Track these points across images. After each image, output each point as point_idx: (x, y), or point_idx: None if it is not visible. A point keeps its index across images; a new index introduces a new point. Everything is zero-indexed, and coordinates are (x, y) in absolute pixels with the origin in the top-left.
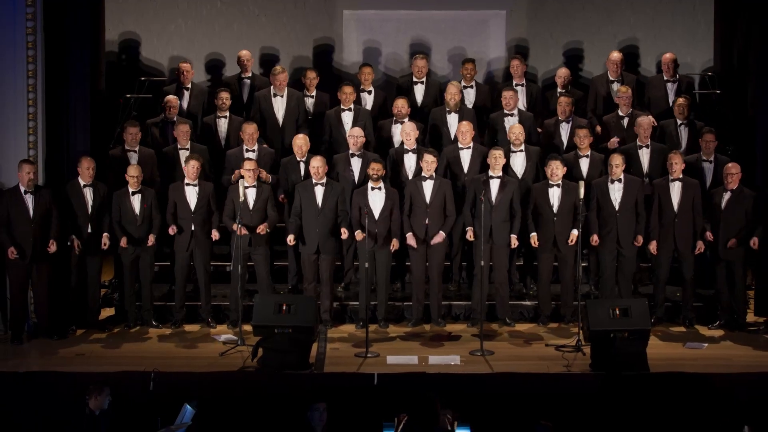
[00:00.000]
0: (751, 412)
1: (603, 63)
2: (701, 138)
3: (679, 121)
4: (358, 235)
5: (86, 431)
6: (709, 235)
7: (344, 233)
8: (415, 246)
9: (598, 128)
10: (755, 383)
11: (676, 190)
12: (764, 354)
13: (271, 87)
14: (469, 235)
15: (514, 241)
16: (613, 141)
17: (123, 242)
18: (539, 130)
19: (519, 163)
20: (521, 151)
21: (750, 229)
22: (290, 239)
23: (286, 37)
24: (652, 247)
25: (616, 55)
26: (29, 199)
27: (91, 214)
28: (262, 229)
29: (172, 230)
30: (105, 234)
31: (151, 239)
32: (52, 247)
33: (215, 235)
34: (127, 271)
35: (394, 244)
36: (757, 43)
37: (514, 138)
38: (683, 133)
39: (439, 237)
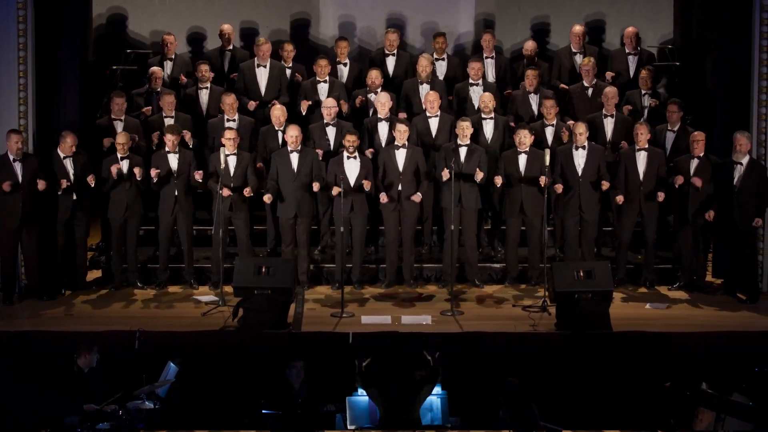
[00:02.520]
0: (708, 369)
1: (567, 36)
2: (666, 108)
3: (643, 92)
4: (335, 190)
5: (75, 388)
6: (679, 178)
7: (315, 186)
8: (386, 201)
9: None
10: (713, 342)
11: (641, 160)
12: (722, 314)
13: (255, 58)
14: (498, 181)
15: (479, 174)
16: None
17: (113, 171)
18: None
19: (489, 130)
20: (491, 119)
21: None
22: (267, 197)
23: (266, 11)
24: (619, 198)
25: (578, 28)
26: (18, 167)
27: (74, 182)
28: (247, 191)
29: (153, 172)
30: (91, 176)
31: (138, 171)
32: (41, 185)
33: (199, 175)
34: (114, 234)
35: (367, 184)
36: (715, 15)
37: (483, 106)
38: (647, 103)
39: (417, 197)
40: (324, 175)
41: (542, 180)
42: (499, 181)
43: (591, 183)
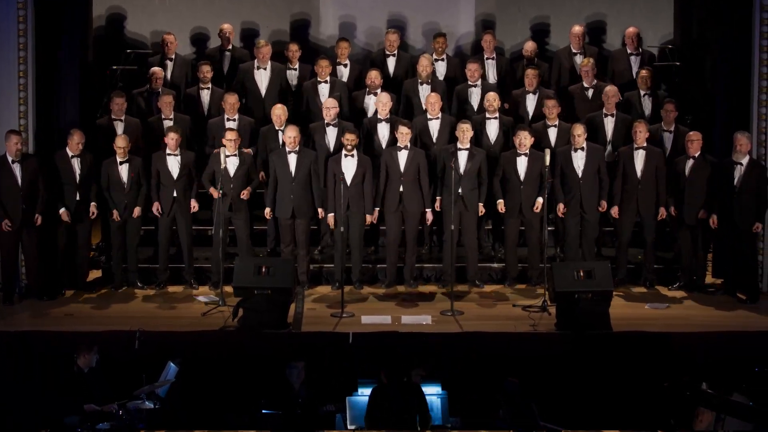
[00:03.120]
0: (708, 369)
1: (567, 36)
2: (662, 108)
3: (642, 92)
4: (330, 219)
5: (75, 388)
6: (673, 210)
7: (321, 214)
8: (370, 223)
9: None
10: (713, 342)
11: (640, 158)
12: (722, 314)
13: (255, 60)
14: (500, 208)
15: (481, 209)
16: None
17: (115, 216)
18: (506, 105)
19: (492, 130)
20: (495, 118)
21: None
22: (267, 212)
23: (266, 12)
24: (614, 211)
25: (577, 29)
26: (17, 168)
27: (79, 182)
28: (245, 194)
29: (157, 212)
30: (93, 204)
31: (137, 212)
32: (38, 222)
33: (194, 206)
34: (114, 235)
35: (368, 220)
36: (715, 15)
37: (488, 105)
38: (647, 104)
39: (430, 215)
40: (321, 179)
41: (537, 205)
42: (501, 208)
43: (591, 183)
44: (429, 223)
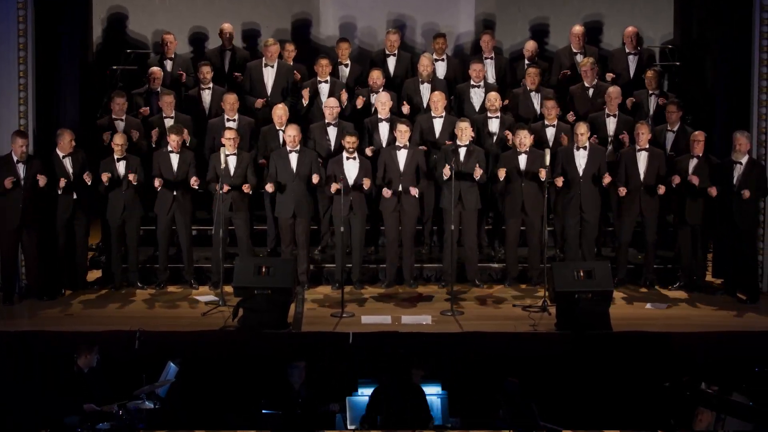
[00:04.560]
0: (708, 369)
1: (567, 36)
2: (665, 108)
3: (649, 92)
4: (333, 186)
5: (75, 388)
6: (676, 178)
7: (315, 179)
8: (389, 196)
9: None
10: (713, 342)
11: (642, 160)
12: (722, 314)
13: (263, 58)
14: (501, 174)
15: (478, 172)
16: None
17: (105, 178)
18: (505, 101)
19: (495, 128)
20: (497, 117)
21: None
22: (269, 186)
23: (266, 12)
24: (622, 190)
25: (578, 29)
26: (21, 168)
27: (73, 181)
28: (246, 187)
29: (157, 182)
30: (87, 173)
31: (132, 177)
32: (42, 181)
33: (194, 182)
34: (113, 234)
35: (366, 183)
36: (715, 15)
37: (490, 105)
38: (653, 104)
39: (414, 190)
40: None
41: (542, 173)
42: (502, 174)
43: (592, 183)
44: (413, 194)
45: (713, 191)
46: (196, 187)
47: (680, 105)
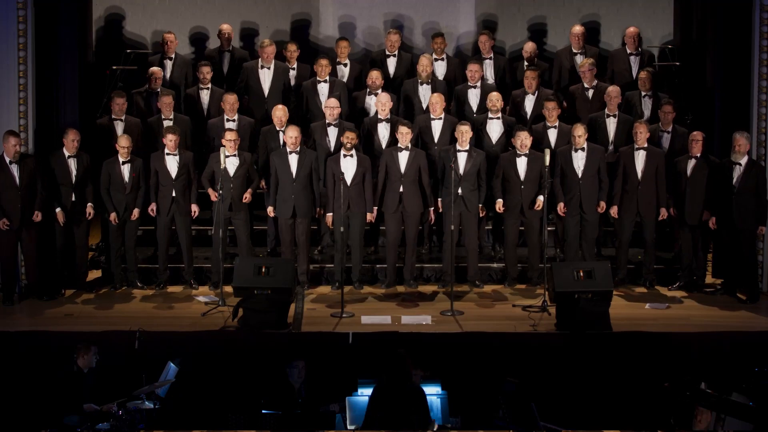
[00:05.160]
0: (708, 369)
1: (566, 37)
2: (660, 109)
3: (642, 93)
4: (328, 219)
5: (74, 388)
6: (672, 211)
7: (318, 213)
8: (370, 221)
9: (564, 103)
10: (713, 342)
11: (640, 158)
12: (722, 314)
13: (259, 59)
14: (499, 207)
15: (482, 211)
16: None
17: (113, 218)
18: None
19: (496, 129)
20: (498, 118)
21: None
22: (270, 210)
23: (265, 12)
24: (614, 211)
25: (578, 29)
26: (14, 169)
27: (75, 183)
28: (247, 197)
29: (152, 212)
30: (89, 204)
31: (136, 213)
32: (37, 218)
33: (195, 210)
34: (113, 235)
35: (369, 218)
36: (715, 15)
37: (491, 105)
38: (647, 105)
39: (432, 214)
40: (322, 178)
41: (538, 202)
42: (500, 207)
43: (591, 184)
44: (431, 222)
45: (713, 224)
46: (195, 214)
47: (676, 105)
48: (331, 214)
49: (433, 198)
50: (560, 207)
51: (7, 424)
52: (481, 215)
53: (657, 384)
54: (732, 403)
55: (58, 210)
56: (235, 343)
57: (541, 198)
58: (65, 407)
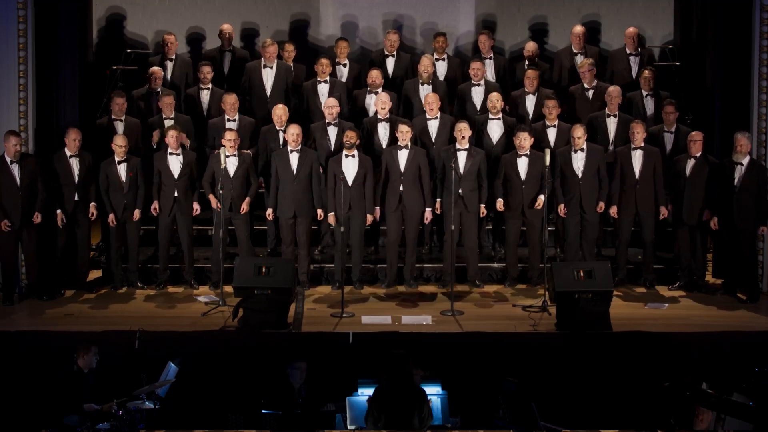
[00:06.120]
0: (708, 369)
1: (567, 36)
2: (663, 109)
3: (644, 93)
4: (331, 218)
5: (75, 388)
6: (670, 208)
7: (320, 215)
8: (377, 219)
9: (564, 106)
10: (713, 342)
11: (637, 158)
12: (722, 314)
13: (261, 59)
14: (500, 206)
15: (483, 211)
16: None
17: (111, 219)
18: (506, 108)
19: (496, 130)
20: (498, 119)
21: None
22: (269, 213)
23: (265, 12)
24: (613, 211)
25: (578, 29)
26: (15, 169)
27: (77, 183)
28: (244, 209)
29: (154, 211)
30: (92, 204)
31: (137, 215)
32: (37, 219)
33: (196, 209)
34: (113, 235)
35: (368, 220)
36: (715, 15)
37: (491, 106)
38: (649, 104)
39: (429, 215)
40: (322, 178)
41: (539, 201)
42: (500, 206)
43: (591, 184)
44: (428, 221)
45: (714, 224)
46: (197, 212)
47: (678, 105)
48: (332, 213)
49: (431, 199)
50: (561, 208)
51: (7, 424)
52: (482, 215)
53: (657, 384)
54: (732, 403)
55: (58, 212)
56: (235, 343)
57: (542, 197)
58: (65, 407)
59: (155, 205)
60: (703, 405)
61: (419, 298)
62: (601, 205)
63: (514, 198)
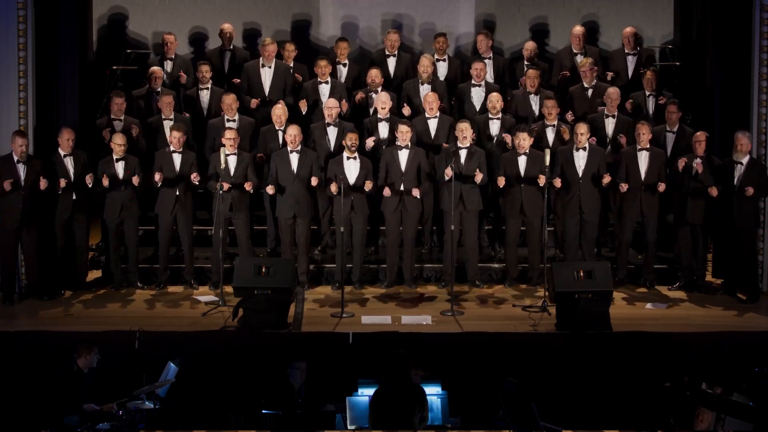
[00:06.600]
0: (709, 369)
1: (567, 37)
2: (665, 110)
3: (647, 93)
4: (333, 187)
5: (74, 388)
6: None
7: (314, 181)
8: (389, 195)
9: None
10: (713, 342)
11: (643, 159)
12: (722, 314)
13: (260, 58)
14: (501, 182)
15: (479, 176)
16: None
17: (105, 181)
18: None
19: (496, 130)
20: (498, 118)
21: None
22: (270, 188)
23: (266, 12)
24: (623, 186)
25: (578, 29)
26: (21, 168)
27: (74, 182)
28: (248, 186)
29: (158, 176)
30: (89, 175)
31: (135, 180)
32: (42, 184)
33: (195, 177)
34: (112, 234)
35: (368, 185)
36: (715, 15)
37: (491, 106)
38: (651, 104)
39: (416, 191)
40: (323, 176)
41: (541, 179)
42: (501, 182)
43: (591, 183)
44: (416, 196)
45: (714, 191)
46: (197, 183)
47: (680, 105)
48: (334, 183)
49: (425, 188)
50: (557, 181)
51: (7, 424)
52: (477, 180)
53: (657, 384)
54: (732, 403)
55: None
56: (235, 343)
57: (542, 176)
58: (65, 407)
59: (158, 176)
60: (703, 405)
61: (419, 298)
62: (606, 175)
63: (514, 197)
